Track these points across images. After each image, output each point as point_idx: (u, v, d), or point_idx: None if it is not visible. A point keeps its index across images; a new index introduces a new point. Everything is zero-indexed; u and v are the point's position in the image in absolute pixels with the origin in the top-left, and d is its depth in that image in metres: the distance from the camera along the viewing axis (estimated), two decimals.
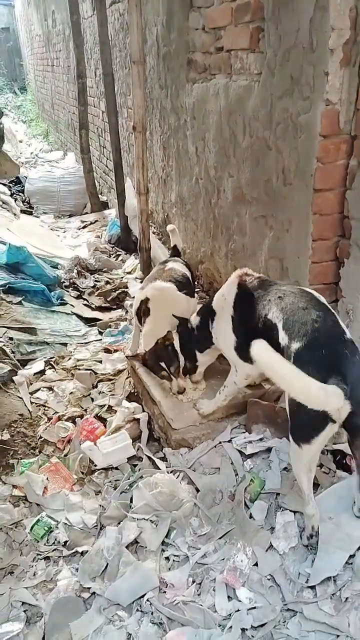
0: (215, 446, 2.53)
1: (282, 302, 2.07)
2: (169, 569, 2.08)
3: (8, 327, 3.79)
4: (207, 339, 2.59)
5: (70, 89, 8.79)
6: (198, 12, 3.55)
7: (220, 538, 2.14)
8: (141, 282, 4.60)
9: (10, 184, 7.91)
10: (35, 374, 3.45)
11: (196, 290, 4.11)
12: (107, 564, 2.10)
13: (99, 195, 7.18)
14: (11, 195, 7.39)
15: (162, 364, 2.73)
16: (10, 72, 19.89)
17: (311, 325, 1.89)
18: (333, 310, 2.00)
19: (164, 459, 2.61)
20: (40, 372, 3.48)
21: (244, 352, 2.34)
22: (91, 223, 6.81)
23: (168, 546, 2.16)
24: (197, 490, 2.36)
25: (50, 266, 4.94)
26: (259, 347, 1.73)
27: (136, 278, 4.77)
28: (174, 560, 2.11)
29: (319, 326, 1.88)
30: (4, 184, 7.76)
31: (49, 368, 3.54)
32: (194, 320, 2.68)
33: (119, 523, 2.26)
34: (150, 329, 2.79)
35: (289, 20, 2.51)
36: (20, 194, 7.73)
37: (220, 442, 2.53)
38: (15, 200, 7.28)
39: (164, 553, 2.14)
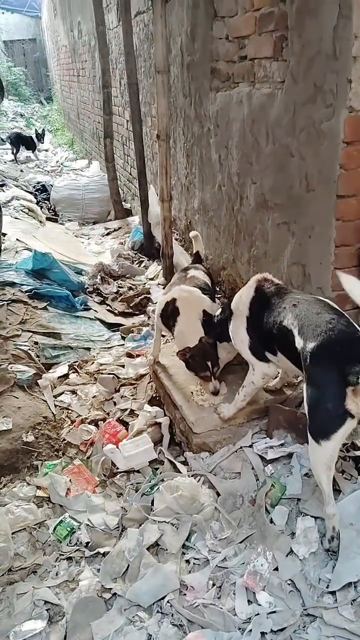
0: (236, 451, 2.54)
1: (297, 309, 2.14)
2: (190, 571, 2.10)
3: (33, 332, 3.86)
4: (224, 334, 2.65)
5: (95, 98, 8.93)
6: (222, 22, 3.60)
7: (240, 542, 2.15)
8: (164, 288, 4.65)
9: (37, 192, 8.06)
10: (59, 377, 3.51)
11: (218, 296, 4.13)
12: (128, 565, 2.12)
13: (123, 203, 7.27)
14: (37, 203, 7.53)
15: (208, 363, 2.73)
16: (37, 83, 20.31)
17: (325, 326, 1.94)
18: (346, 314, 2.05)
19: (185, 462, 2.63)
20: (64, 376, 3.53)
21: (259, 351, 2.41)
22: (115, 230, 6.89)
23: (188, 549, 2.18)
24: (218, 495, 2.37)
25: (75, 272, 5.02)
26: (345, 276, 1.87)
27: (159, 284, 4.81)
28: (194, 563, 2.12)
29: (333, 326, 1.93)
30: (31, 192, 7.92)
31: (73, 372, 3.59)
32: (217, 317, 2.75)
33: (140, 525, 2.28)
34: (184, 328, 2.81)
35: (312, 29, 2.53)
36: (46, 201, 7.88)
37: (241, 447, 2.54)
38: (41, 207, 7.43)
39: (184, 556, 2.15)
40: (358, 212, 2.57)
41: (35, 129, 11.51)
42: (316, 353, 1.91)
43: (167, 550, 2.16)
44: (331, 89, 2.46)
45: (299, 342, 2.03)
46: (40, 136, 11.15)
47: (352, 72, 2.33)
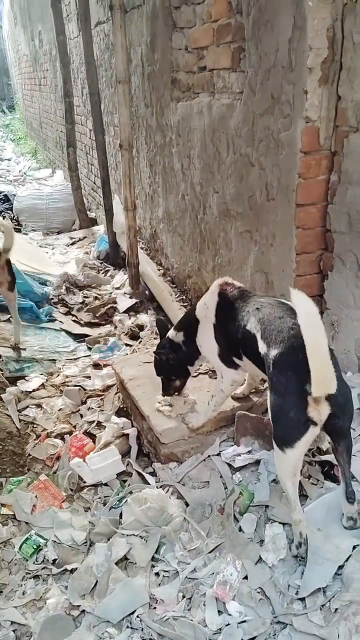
0: (204, 460, 2.53)
1: (260, 313, 2.13)
2: (159, 584, 2.07)
3: None
4: (196, 351, 2.61)
5: (57, 107, 8.88)
6: (181, 33, 3.63)
7: (210, 552, 2.13)
8: (130, 298, 4.63)
9: None
10: (29, 392, 3.44)
11: (184, 304, 4.14)
12: (97, 581, 2.09)
13: (87, 212, 7.22)
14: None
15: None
16: None
17: (287, 333, 1.94)
18: None
19: (153, 473, 2.61)
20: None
21: (227, 358, 2.39)
22: (80, 239, 6.84)
23: (158, 562, 2.15)
24: (187, 505, 2.36)
25: (39, 283, 4.95)
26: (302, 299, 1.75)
27: (125, 293, 4.79)
28: (163, 576, 2.10)
29: (295, 333, 1.91)
30: None
31: (40, 385, 3.53)
32: (178, 336, 2.65)
33: (109, 539, 2.25)
34: None
35: (268, 41, 2.58)
36: (9, 211, 7.76)
37: (209, 456, 2.53)
38: (4, 217, 7.30)
39: (153, 569, 2.13)
40: (317, 220, 2.61)
41: None
42: (279, 360, 1.92)
43: (136, 564, 2.13)
44: (288, 100, 2.51)
45: (262, 347, 2.03)
46: None
47: (308, 82, 2.38)
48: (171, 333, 2.68)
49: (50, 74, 9.27)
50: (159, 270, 4.84)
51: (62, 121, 7.71)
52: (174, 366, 2.67)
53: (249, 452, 2.46)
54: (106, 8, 4.98)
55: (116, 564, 2.11)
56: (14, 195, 7.91)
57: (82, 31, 5.41)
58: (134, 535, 2.22)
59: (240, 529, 2.17)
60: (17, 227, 7.30)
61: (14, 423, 3.12)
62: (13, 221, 7.47)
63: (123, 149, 4.33)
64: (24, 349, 3.87)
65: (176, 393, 2.77)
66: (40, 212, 7.37)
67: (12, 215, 7.65)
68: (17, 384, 3.48)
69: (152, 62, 4.24)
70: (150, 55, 4.25)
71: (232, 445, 2.55)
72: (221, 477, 2.42)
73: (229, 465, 2.45)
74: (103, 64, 5.74)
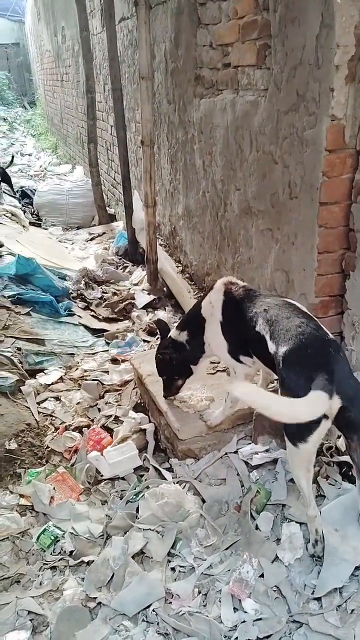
0: (221, 457, 2.54)
1: (267, 314, 2.17)
2: (175, 579, 2.09)
3: (16, 338, 3.82)
4: (199, 350, 2.62)
5: (79, 103, 8.91)
6: (206, 29, 3.62)
7: (226, 549, 2.14)
8: (148, 294, 4.65)
9: (20, 197, 8.00)
10: (48, 384, 3.47)
11: None
12: (113, 574, 2.10)
13: (107, 208, 7.25)
14: (21, 207, 7.48)
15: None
16: (20, 87, 20.23)
17: (295, 330, 1.99)
18: (315, 318, 2.10)
19: (170, 469, 2.62)
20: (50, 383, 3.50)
21: (237, 354, 2.43)
22: (99, 235, 6.87)
23: (174, 557, 2.17)
24: (203, 501, 2.37)
25: (59, 277, 4.99)
26: (238, 390, 1.98)
27: (143, 290, 4.81)
28: (179, 571, 2.11)
29: (302, 330, 1.97)
30: (14, 197, 7.86)
31: (58, 379, 3.56)
32: (181, 336, 2.66)
33: (125, 533, 2.27)
34: None
35: (295, 37, 2.56)
36: (29, 206, 7.83)
37: (226, 453, 2.54)
38: (24, 212, 7.37)
39: (169, 564, 2.14)
40: (340, 219, 2.59)
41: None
42: (287, 358, 1.95)
43: (152, 558, 2.15)
44: (314, 97, 2.49)
45: (271, 347, 2.07)
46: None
47: (334, 80, 2.36)
48: (174, 333, 2.71)
49: (73, 69, 9.30)
50: (177, 267, 4.84)
51: (83, 117, 7.74)
52: (177, 366, 2.70)
53: (267, 450, 2.46)
54: (130, 4, 4.98)
55: (132, 557, 2.13)
56: (33, 191, 7.96)
57: (106, 27, 5.41)
58: (150, 529, 2.23)
59: (256, 527, 2.17)
60: (37, 221, 7.36)
61: (33, 415, 3.15)
62: (33, 216, 7.54)
63: (144, 145, 4.34)
64: None
65: (177, 393, 2.80)
66: (60, 208, 7.42)
67: (32, 210, 7.71)
68: (37, 377, 3.52)
69: (176, 59, 4.23)
70: (174, 52, 4.24)
71: (250, 443, 2.55)
72: (238, 474, 2.42)
73: (246, 463, 2.45)
74: (126, 60, 5.75)
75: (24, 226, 6.70)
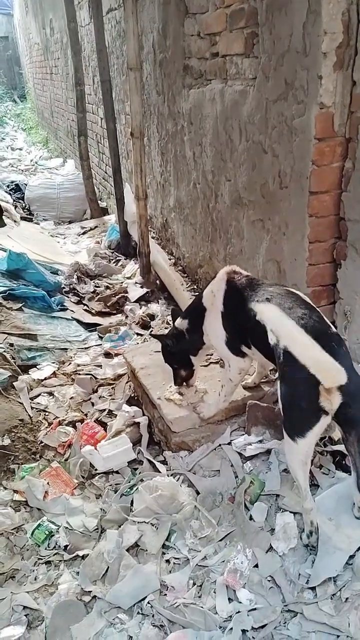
0: (215, 449, 2.54)
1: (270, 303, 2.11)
2: (170, 571, 2.09)
3: (8, 333, 3.80)
4: (198, 341, 2.59)
5: (69, 96, 8.84)
6: (193, 19, 3.59)
7: (220, 540, 2.15)
8: (141, 287, 4.63)
9: (11, 191, 7.95)
10: (41, 380, 3.46)
11: (195, 294, 4.13)
12: (108, 567, 2.11)
13: (99, 202, 7.21)
14: (12, 202, 7.43)
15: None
16: (9, 81, 20.03)
17: (297, 322, 1.94)
18: (318, 309, 2.06)
19: (164, 462, 2.62)
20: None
21: (235, 346, 2.37)
22: (91, 229, 6.83)
23: (168, 549, 2.17)
24: (197, 493, 2.37)
25: (51, 272, 4.96)
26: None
27: (136, 283, 4.79)
28: (174, 563, 2.12)
29: (305, 322, 1.92)
30: (5, 191, 7.80)
31: (51, 374, 3.55)
32: (182, 324, 2.62)
33: (120, 526, 2.26)
34: None
35: (282, 25, 2.54)
36: (20, 201, 7.77)
37: (220, 445, 2.54)
38: (15, 207, 7.32)
39: (164, 556, 2.15)
40: (331, 208, 2.58)
41: None
42: (289, 351, 1.91)
43: (147, 550, 2.15)
44: (302, 86, 2.47)
45: (272, 338, 2.01)
46: None
47: (322, 68, 2.34)
48: (178, 321, 2.66)
49: (62, 62, 9.22)
50: (170, 259, 4.82)
51: (73, 110, 7.68)
52: (176, 355, 2.66)
53: (260, 441, 2.46)
54: None
55: (127, 550, 2.13)
56: (26, 185, 7.90)
57: (93, 18, 5.36)
58: (144, 522, 2.23)
59: (250, 518, 2.17)
60: (28, 216, 7.32)
61: (26, 411, 3.13)
62: (24, 210, 7.49)
63: (134, 137, 4.31)
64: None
65: (184, 384, 2.76)
66: (51, 202, 7.37)
67: (23, 204, 7.66)
68: (29, 372, 3.50)
69: (164, 49, 4.20)
70: (162, 42, 4.21)
71: (243, 435, 2.55)
72: (232, 466, 2.43)
73: (240, 454, 2.45)
74: (114, 52, 5.70)
75: (15, 221, 6.66)
